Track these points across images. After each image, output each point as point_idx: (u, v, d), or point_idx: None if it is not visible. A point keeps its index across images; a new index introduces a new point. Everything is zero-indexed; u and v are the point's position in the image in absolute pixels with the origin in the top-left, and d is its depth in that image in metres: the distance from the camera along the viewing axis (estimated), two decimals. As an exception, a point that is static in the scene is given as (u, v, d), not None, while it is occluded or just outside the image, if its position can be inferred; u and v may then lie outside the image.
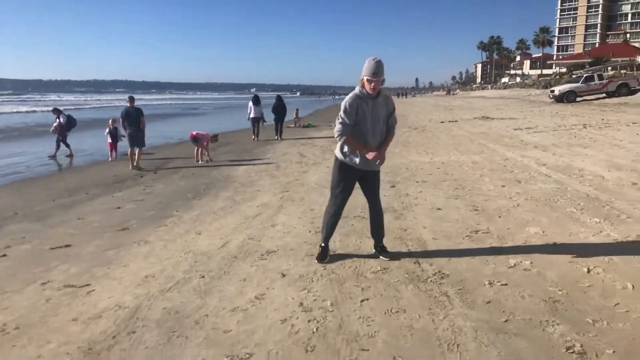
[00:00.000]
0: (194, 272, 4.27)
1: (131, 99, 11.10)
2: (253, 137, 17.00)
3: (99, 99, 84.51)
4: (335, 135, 4.14)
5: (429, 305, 3.44)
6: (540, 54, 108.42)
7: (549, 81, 61.61)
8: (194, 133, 11.67)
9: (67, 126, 13.79)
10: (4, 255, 5.02)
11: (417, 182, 8.04)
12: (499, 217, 5.68)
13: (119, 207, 7.09)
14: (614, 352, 2.74)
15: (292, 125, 23.14)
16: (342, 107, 4.08)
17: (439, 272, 4.04)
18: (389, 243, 4.72)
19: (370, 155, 4.12)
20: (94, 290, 3.97)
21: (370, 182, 4.41)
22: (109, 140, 12.87)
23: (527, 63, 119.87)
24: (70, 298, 3.82)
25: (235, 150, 14.20)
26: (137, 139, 10.77)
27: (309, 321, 3.26)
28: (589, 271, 3.91)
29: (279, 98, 18.06)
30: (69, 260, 4.77)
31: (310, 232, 5.33)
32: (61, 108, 15.53)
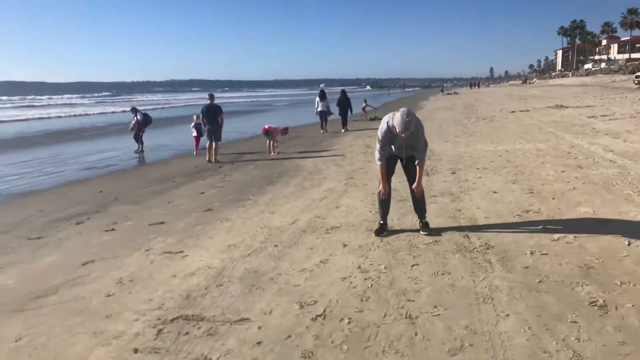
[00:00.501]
0: (269, 242, 4.96)
1: (211, 97, 12.06)
2: (321, 130, 17.76)
3: (177, 98, 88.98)
4: (376, 159, 4.90)
5: (472, 269, 3.89)
6: (629, 37, 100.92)
7: (637, 66, 57.55)
8: (266, 127, 12.51)
9: (144, 123, 14.96)
10: (113, 229, 6.00)
11: (478, 169, 8.32)
12: (553, 198, 5.92)
13: (202, 193, 7.99)
14: (632, 306, 3.09)
15: (359, 118, 23.54)
16: (378, 137, 4.77)
17: (486, 244, 4.45)
18: (443, 222, 5.18)
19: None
20: (187, 255, 4.77)
21: (408, 167, 4.92)
22: (194, 134, 13.67)
23: (614, 47, 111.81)
24: (169, 261, 4.64)
25: (305, 142, 14.94)
26: (215, 134, 11.71)
27: (364, 279, 3.83)
28: (629, 244, 4.17)
29: (343, 92, 18.84)
30: (164, 233, 5.63)
31: (370, 212, 5.88)
32: (143, 107, 17.00)
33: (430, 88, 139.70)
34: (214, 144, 11.67)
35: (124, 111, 42.75)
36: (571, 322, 2.95)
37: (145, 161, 13.09)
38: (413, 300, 3.41)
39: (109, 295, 3.88)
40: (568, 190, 6.29)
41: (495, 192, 6.47)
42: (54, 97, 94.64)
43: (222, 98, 75.65)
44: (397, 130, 4.49)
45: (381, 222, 5.08)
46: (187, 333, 3.15)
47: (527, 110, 21.33)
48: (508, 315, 3.10)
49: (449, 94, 62.69)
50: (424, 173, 5.49)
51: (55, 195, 8.59)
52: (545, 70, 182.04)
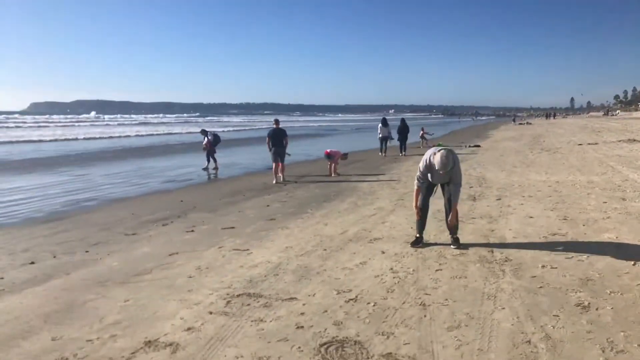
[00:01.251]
0: (319, 247, 5.87)
1: (276, 122, 13.20)
2: (381, 153, 18.88)
3: (252, 120, 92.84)
4: (414, 182, 5.79)
5: (486, 275, 4.58)
6: None
7: None
8: (328, 150, 13.53)
9: (214, 142, 16.31)
10: (192, 230, 7.15)
11: (523, 196, 8.82)
12: (583, 225, 6.42)
13: (268, 205, 9.06)
14: (612, 308, 3.68)
15: (419, 147, 24.10)
16: (420, 167, 5.62)
17: (506, 258, 5.11)
18: (474, 239, 5.87)
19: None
20: (251, 252, 5.77)
21: (446, 190, 5.66)
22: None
23: None
24: (237, 256, 5.66)
25: (365, 166, 15.82)
26: (281, 155, 12.77)
27: (393, 277, 4.63)
28: (634, 264, 4.69)
29: (402, 120, 20.40)
30: (234, 236, 6.70)
31: (411, 228, 6.62)
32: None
33: (505, 117, 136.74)
34: (280, 164, 12.71)
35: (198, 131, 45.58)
36: (553, 315, 3.61)
37: (219, 177, 14.48)
38: (429, 294, 4.17)
39: (190, 277, 4.93)
40: (601, 218, 6.73)
41: (531, 217, 7.02)
42: (137, 116, 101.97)
43: (292, 122, 78.10)
44: (436, 168, 5.30)
45: (417, 235, 5.85)
46: (248, 304, 4.10)
47: (596, 144, 21.04)
48: (504, 308, 3.80)
49: (521, 123, 61.39)
50: (461, 200, 6.15)
51: (144, 202, 10.00)
52: (632, 101, 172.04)
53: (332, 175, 13.29)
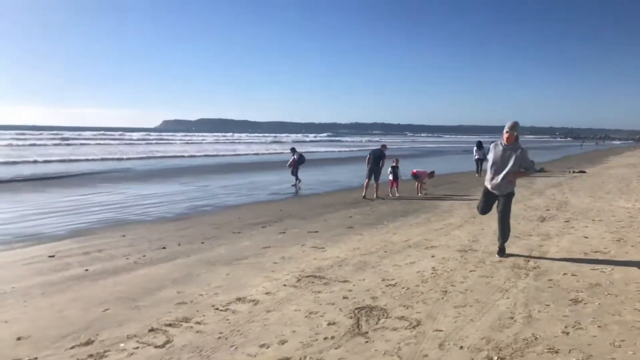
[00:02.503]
0: (382, 249, 7.08)
1: (383, 147, 14.42)
2: (477, 174, 20.43)
3: (360, 140, 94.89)
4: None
5: (510, 277, 5.50)
6: None
7: None
8: (414, 171, 14.53)
9: (299, 162, 17.76)
10: (284, 232, 8.72)
11: (593, 220, 9.22)
12: (631, 246, 6.90)
13: (350, 217, 10.40)
14: (599, 304, 4.48)
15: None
16: (488, 158, 6.50)
17: (537, 266, 5.94)
18: (519, 251, 6.71)
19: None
20: (326, 250, 7.15)
21: (499, 203, 6.53)
22: (390, 177, 14.61)
23: None
24: (314, 251, 7.06)
25: (455, 187, 16.51)
26: (375, 174, 13.97)
27: (431, 274, 5.72)
28: (650, 277, 5.29)
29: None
30: (316, 237, 8.12)
31: (467, 240, 7.57)
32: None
33: None
34: (373, 182, 13.89)
35: (306, 151, 48.41)
36: (545, 304, 4.51)
37: (316, 191, 16.14)
38: (454, 286, 5.22)
39: (275, 263, 6.43)
40: (655, 242, 7.12)
41: (585, 237, 7.59)
42: (254, 135, 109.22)
43: (398, 143, 78.74)
44: (504, 131, 6.26)
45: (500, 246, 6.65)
46: (312, 282, 5.47)
47: None
48: (508, 298, 4.76)
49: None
50: (528, 221, 6.85)
51: (250, 209, 11.86)
52: None
53: (419, 194, 14.25)
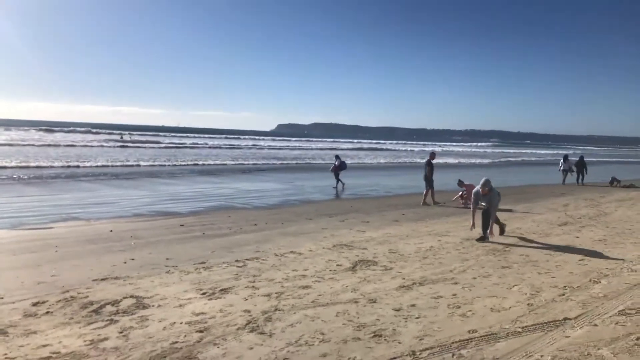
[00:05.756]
0: (405, 235, 9.65)
1: (431, 155, 16.51)
2: (563, 184, 23.36)
3: (476, 148, 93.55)
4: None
5: (480, 254, 7.84)
6: None
7: None
8: (465, 183, 16.37)
9: (340, 168, 19.92)
10: (343, 221, 11.55)
11: (607, 227, 10.84)
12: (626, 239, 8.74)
13: (403, 214, 12.92)
14: (517, 269, 6.74)
15: (610, 185, 23.77)
16: (472, 195, 8.93)
17: (509, 250, 8.17)
18: (514, 242, 8.91)
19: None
20: (365, 233, 9.86)
21: (485, 212, 8.86)
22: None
23: None
24: (358, 233, 9.81)
25: (521, 199, 17.92)
26: (427, 181, 15.90)
27: (427, 249, 8.23)
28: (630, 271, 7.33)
29: (581, 157, 23.54)
30: (366, 225, 10.84)
31: (478, 234, 9.82)
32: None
33: None
34: (428, 190, 15.85)
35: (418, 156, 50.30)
36: (482, 267, 6.87)
37: (387, 194, 18.68)
38: (435, 256, 7.70)
39: (324, 237, 9.31)
40: None
41: (577, 237, 9.46)
42: (363, 141, 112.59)
43: (516, 153, 76.56)
44: (479, 188, 8.67)
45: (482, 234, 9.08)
46: (342, 247, 8.27)
47: None
48: (462, 263, 7.18)
49: None
50: (550, 225, 9.12)
51: (326, 205, 14.83)
52: None
53: (461, 203, 15.79)
